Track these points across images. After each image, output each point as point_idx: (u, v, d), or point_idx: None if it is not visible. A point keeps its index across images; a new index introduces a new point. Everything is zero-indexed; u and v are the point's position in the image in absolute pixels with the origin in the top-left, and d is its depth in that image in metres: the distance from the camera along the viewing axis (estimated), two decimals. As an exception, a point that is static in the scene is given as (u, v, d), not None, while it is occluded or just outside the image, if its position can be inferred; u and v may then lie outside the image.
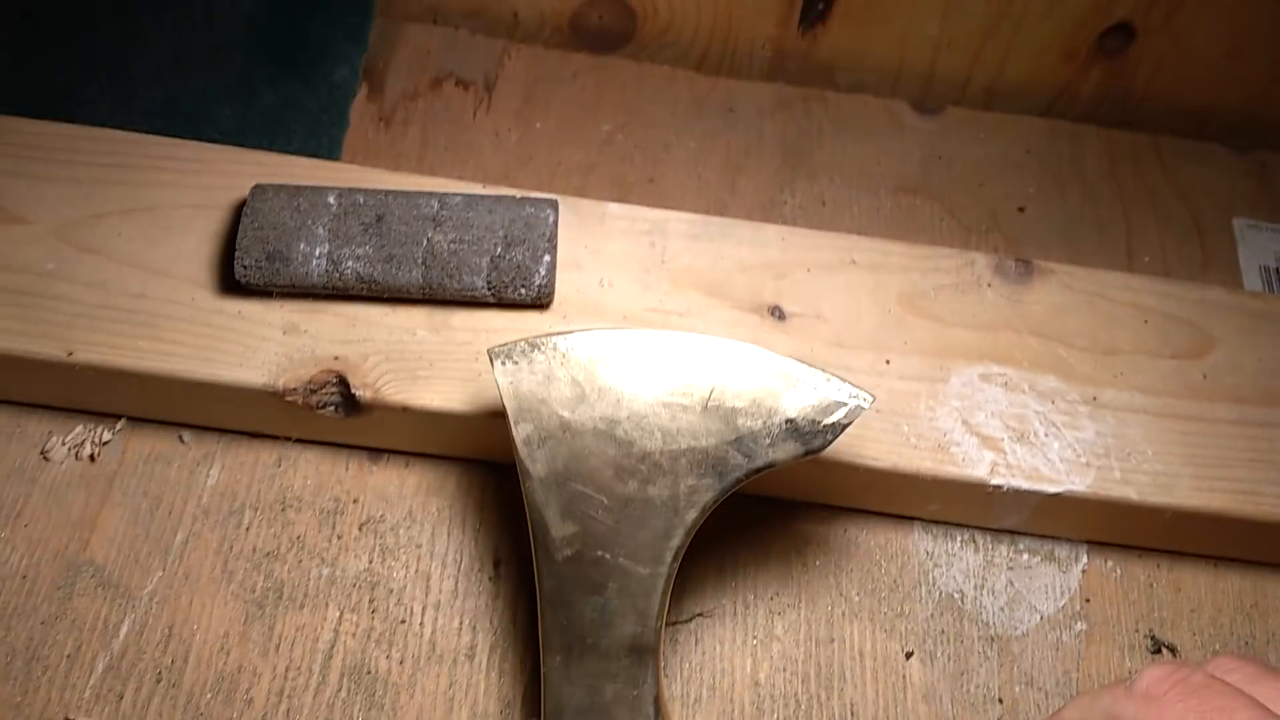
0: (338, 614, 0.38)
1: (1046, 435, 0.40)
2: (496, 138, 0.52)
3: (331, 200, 0.40)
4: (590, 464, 0.34)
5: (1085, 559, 0.42)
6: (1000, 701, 0.38)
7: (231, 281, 0.39)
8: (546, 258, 0.40)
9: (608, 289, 0.41)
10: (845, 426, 0.35)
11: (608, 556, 0.34)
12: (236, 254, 0.38)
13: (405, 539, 0.40)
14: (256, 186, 0.40)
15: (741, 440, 0.34)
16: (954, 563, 0.41)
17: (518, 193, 0.42)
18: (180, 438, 0.41)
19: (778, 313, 0.42)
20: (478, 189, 0.42)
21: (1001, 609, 0.40)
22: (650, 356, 0.35)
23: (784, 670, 0.38)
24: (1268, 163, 0.55)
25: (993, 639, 0.40)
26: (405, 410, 0.38)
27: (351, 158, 0.50)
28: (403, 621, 0.38)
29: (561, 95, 0.54)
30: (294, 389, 0.38)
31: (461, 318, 0.40)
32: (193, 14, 0.52)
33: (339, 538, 0.39)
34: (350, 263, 0.39)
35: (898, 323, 0.42)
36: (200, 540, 0.39)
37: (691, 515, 0.34)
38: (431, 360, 0.39)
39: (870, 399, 0.35)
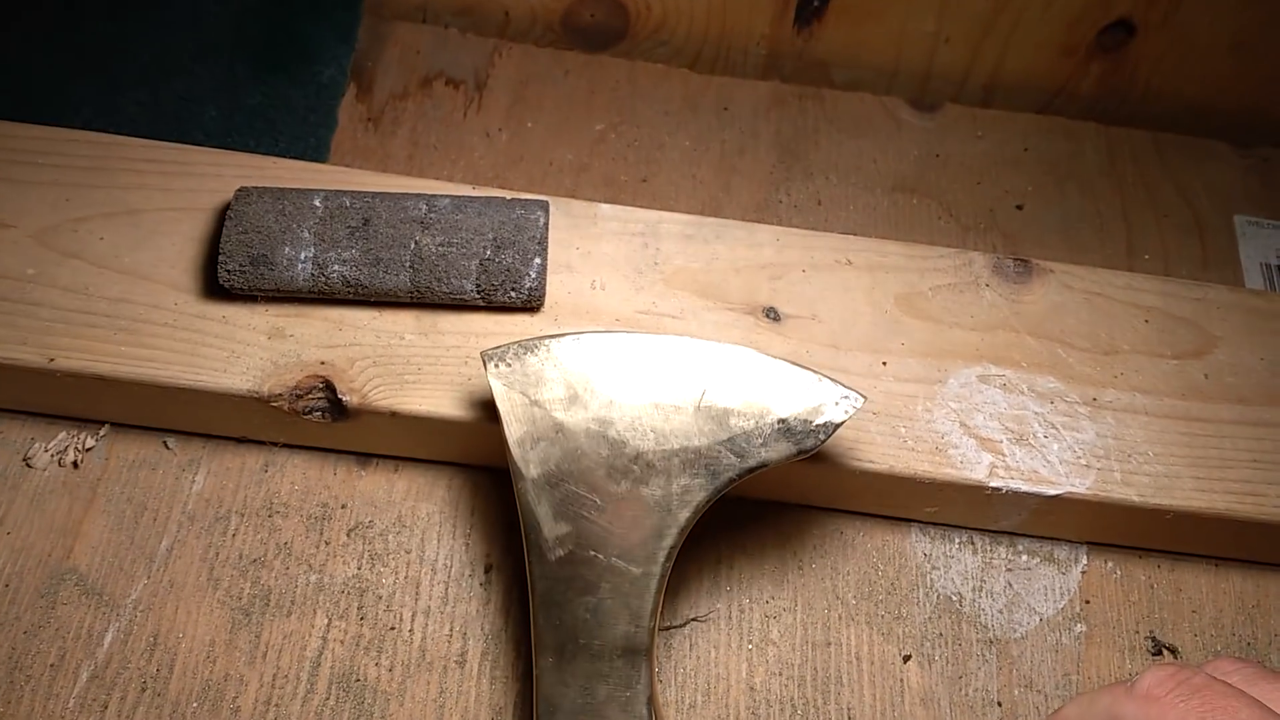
0: (326, 621, 0.37)
1: (1046, 437, 0.39)
2: (487, 138, 0.51)
3: (317, 203, 0.39)
4: (583, 464, 0.34)
5: (1085, 560, 0.41)
6: (999, 705, 0.38)
7: (215, 286, 0.38)
8: (537, 260, 0.39)
9: (600, 291, 0.41)
10: (837, 426, 0.35)
11: (600, 557, 0.34)
12: (220, 258, 0.38)
13: (394, 545, 0.39)
14: (241, 189, 0.39)
15: (734, 440, 0.35)
16: (952, 565, 0.41)
17: (507, 194, 0.41)
18: (165, 443, 0.40)
19: (773, 314, 0.41)
20: (467, 190, 0.42)
21: (1000, 611, 0.40)
22: (643, 358, 0.36)
23: (780, 674, 0.38)
24: (1269, 159, 0.55)
25: (991, 641, 0.39)
26: (393, 415, 0.38)
27: (340, 158, 0.49)
28: (392, 628, 0.37)
29: (553, 94, 0.53)
30: (279, 395, 0.37)
31: (450, 321, 0.39)
32: (178, 14, 0.51)
33: (327, 544, 0.39)
34: (336, 266, 0.38)
35: (894, 324, 0.41)
36: (185, 547, 0.38)
37: (685, 515, 0.34)
38: (420, 365, 0.38)
39: (862, 399, 0.35)
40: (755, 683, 0.38)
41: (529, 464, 0.34)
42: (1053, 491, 0.38)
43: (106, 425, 0.40)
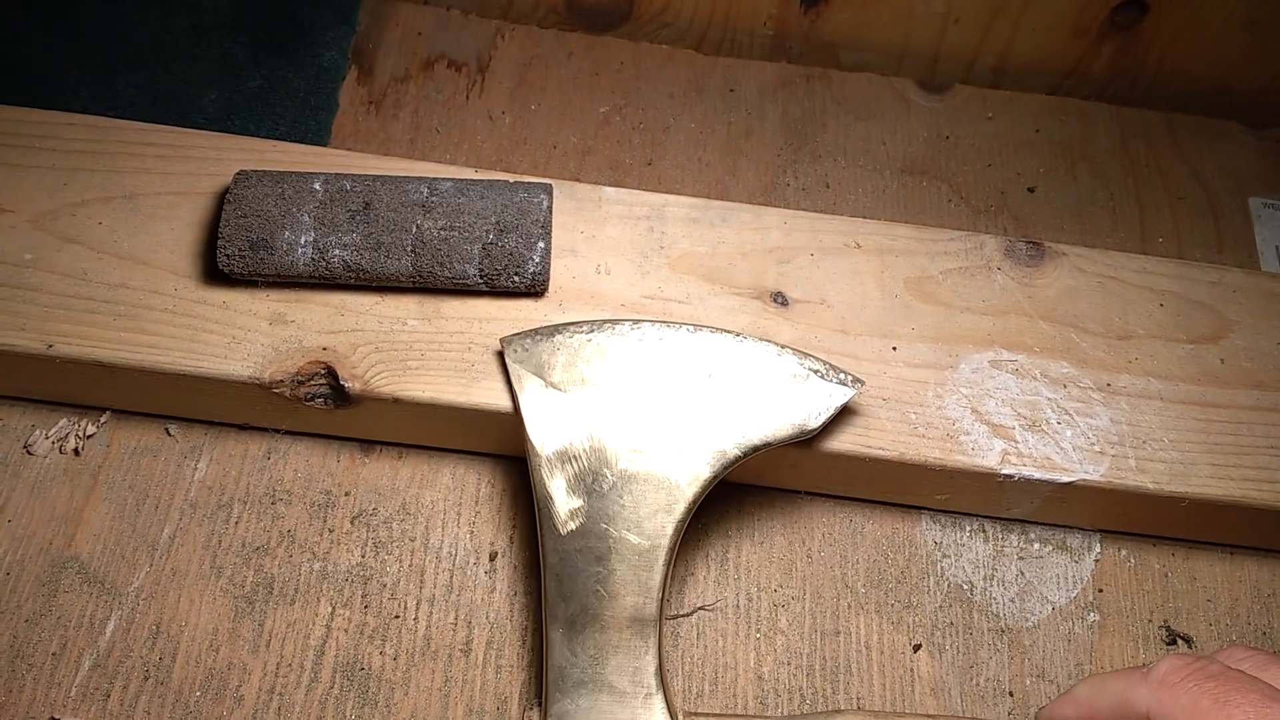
0: (330, 609, 0.37)
1: (1059, 423, 0.39)
2: (490, 120, 0.51)
3: (317, 187, 0.39)
4: (595, 443, 0.36)
5: (1098, 548, 0.41)
6: (1011, 695, 0.37)
7: (215, 271, 0.38)
8: (540, 244, 0.39)
9: (604, 276, 0.40)
10: (838, 409, 0.36)
11: (611, 530, 0.35)
12: (219, 243, 0.37)
13: (398, 532, 0.39)
14: (240, 173, 0.39)
15: (738, 421, 0.36)
16: (963, 553, 0.40)
17: (510, 177, 0.41)
18: (167, 430, 0.40)
19: (780, 299, 0.40)
20: (470, 174, 0.41)
21: (1012, 600, 0.39)
22: (652, 344, 0.37)
23: (788, 664, 0.37)
24: (1285, 140, 0.54)
25: (1003, 630, 0.39)
26: (396, 402, 0.37)
27: (341, 142, 0.49)
28: (396, 616, 0.37)
29: (557, 76, 0.52)
30: (281, 381, 0.37)
31: (453, 306, 0.39)
32: (176, -5, 0.51)
33: (330, 531, 0.38)
34: (337, 251, 0.38)
35: (904, 308, 0.40)
36: (188, 535, 0.38)
37: (693, 490, 0.35)
38: (423, 350, 0.38)
39: (861, 382, 0.37)
40: (763, 672, 0.37)
41: (544, 441, 0.36)
42: (1066, 479, 0.38)
43: (107, 412, 0.40)
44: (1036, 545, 0.40)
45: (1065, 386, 0.39)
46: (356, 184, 0.39)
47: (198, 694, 0.35)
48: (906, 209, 0.50)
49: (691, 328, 0.37)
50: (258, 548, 0.38)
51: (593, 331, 0.37)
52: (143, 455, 0.39)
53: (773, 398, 0.36)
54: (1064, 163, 0.52)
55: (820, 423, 0.36)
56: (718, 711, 0.36)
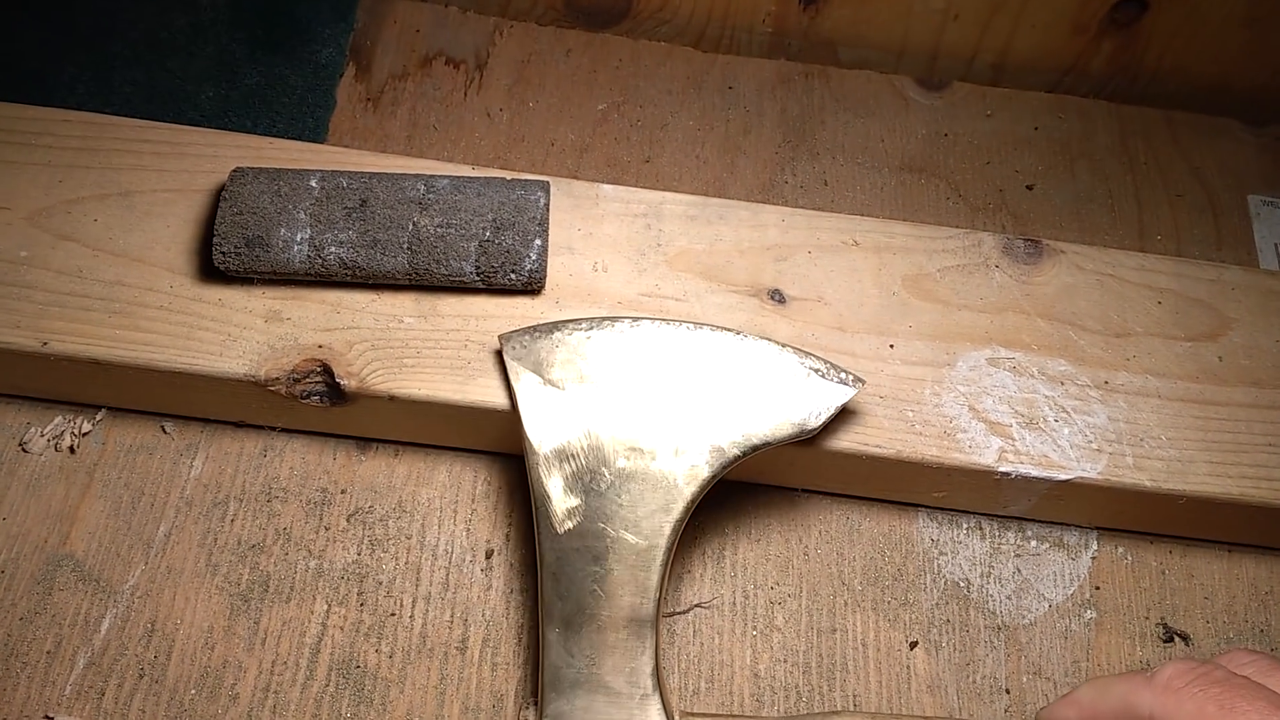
0: (325, 607, 0.37)
1: (1056, 421, 0.39)
2: (488, 118, 0.50)
3: (314, 184, 0.39)
4: (593, 441, 0.35)
5: (1095, 545, 0.40)
6: (1008, 692, 0.37)
7: (211, 268, 0.38)
8: (537, 241, 0.39)
9: (602, 273, 0.40)
10: (839, 408, 0.36)
11: (609, 529, 0.34)
12: (215, 240, 0.37)
13: (394, 530, 0.39)
14: (236, 170, 0.39)
15: (738, 420, 0.36)
16: (960, 550, 0.40)
17: (507, 174, 0.41)
18: (163, 428, 0.40)
19: (778, 296, 0.40)
20: (467, 171, 0.41)
21: (1009, 597, 0.39)
22: (651, 342, 0.37)
23: (784, 661, 0.37)
24: (1284, 137, 0.54)
25: (1000, 628, 0.39)
26: (392, 399, 0.37)
27: (338, 139, 0.49)
28: (392, 614, 0.37)
29: (555, 73, 0.52)
30: (277, 379, 0.37)
31: (450, 304, 0.39)
32: (173, -9, 0.50)
33: (326, 529, 0.38)
34: (333, 248, 0.38)
35: (902, 305, 0.40)
36: (184, 533, 0.38)
37: (691, 490, 0.35)
38: (419, 348, 0.38)
39: (862, 382, 0.36)
40: (759, 669, 0.37)
41: (541, 440, 0.35)
42: (1063, 476, 0.38)
43: (103, 409, 0.40)
44: (1034, 543, 0.40)
45: (1063, 384, 0.39)
46: (353, 181, 0.39)
47: (193, 692, 0.35)
48: (905, 207, 0.50)
49: (691, 325, 0.37)
50: (253, 545, 0.38)
51: (591, 329, 0.37)
52: (138, 453, 0.39)
53: (773, 397, 0.36)
54: (1063, 160, 0.52)
55: (821, 422, 0.36)
56: (714, 712, 0.36)
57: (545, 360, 0.36)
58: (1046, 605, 0.39)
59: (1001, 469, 0.38)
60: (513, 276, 0.38)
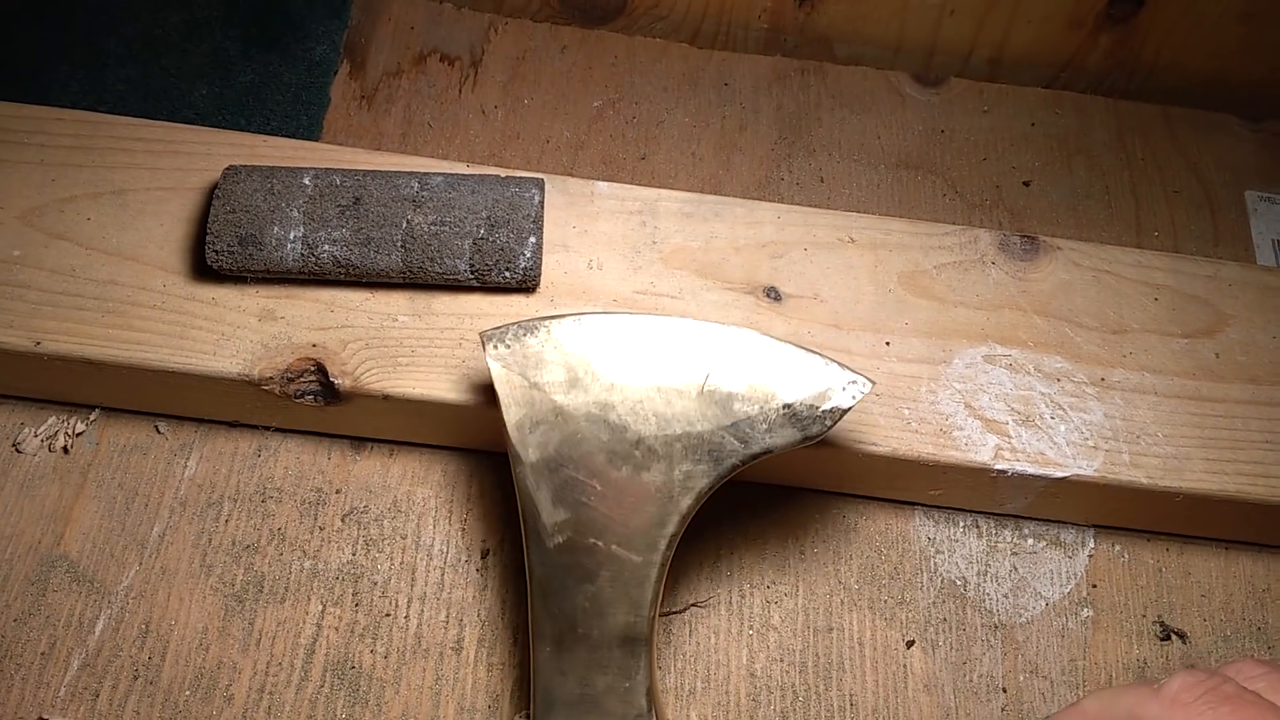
0: (320, 607, 0.37)
1: (1053, 418, 0.38)
2: (483, 115, 0.50)
3: (307, 182, 0.38)
4: (583, 449, 0.33)
5: (1092, 544, 0.40)
6: (1004, 691, 0.37)
7: (204, 267, 0.38)
8: (532, 239, 0.39)
9: (597, 271, 0.40)
10: (844, 412, 0.34)
11: (600, 544, 0.33)
12: (208, 238, 0.37)
13: (389, 530, 0.38)
14: (229, 168, 0.39)
15: (738, 426, 0.34)
16: (956, 549, 0.40)
17: (502, 172, 0.40)
18: (156, 428, 0.40)
19: (774, 294, 0.40)
20: (462, 168, 0.41)
21: (1005, 596, 0.39)
22: (645, 340, 0.35)
23: (781, 660, 0.37)
24: (1282, 133, 0.54)
25: (996, 626, 0.38)
26: (386, 398, 0.37)
27: (332, 137, 0.48)
28: (387, 614, 0.37)
29: (550, 70, 0.52)
30: (271, 378, 0.37)
31: (444, 302, 0.39)
32: (166, -11, 0.50)
33: (321, 529, 0.38)
34: (326, 246, 0.38)
35: (898, 303, 0.40)
36: (178, 533, 0.38)
37: (686, 502, 0.33)
38: (413, 347, 0.38)
39: (870, 384, 0.34)
40: (756, 669, 0.37)
41: (528, 448, 0.33)
42: (1060, 474, 0.37)
43: (97, 410, 0.40)
44: (1030, 541, 0.40)
45: (1059, 381, 0.39)
46: (346, 179, 0.39)
47: (187, 693, 0.35)
48: (901, 203, 0.50)
49: (689, 324, 0.35)
50: (248, 546, 0.38)
51: (582, 325, 0.35)
52: (132, 453, 0.39)
53: (774, 400, 0.34)
54: (1060, 156, 0.52)
55: (824, 428, 0.34)
56: None
57: (531, 361, 0.34)
58: (1043, 603, 0.39)
59: (998, 467, 0.37)
60: (507, 274, 0.38)
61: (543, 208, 0.39)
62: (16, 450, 0.39)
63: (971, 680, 0.37)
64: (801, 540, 0.40)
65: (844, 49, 0.54)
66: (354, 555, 0.38)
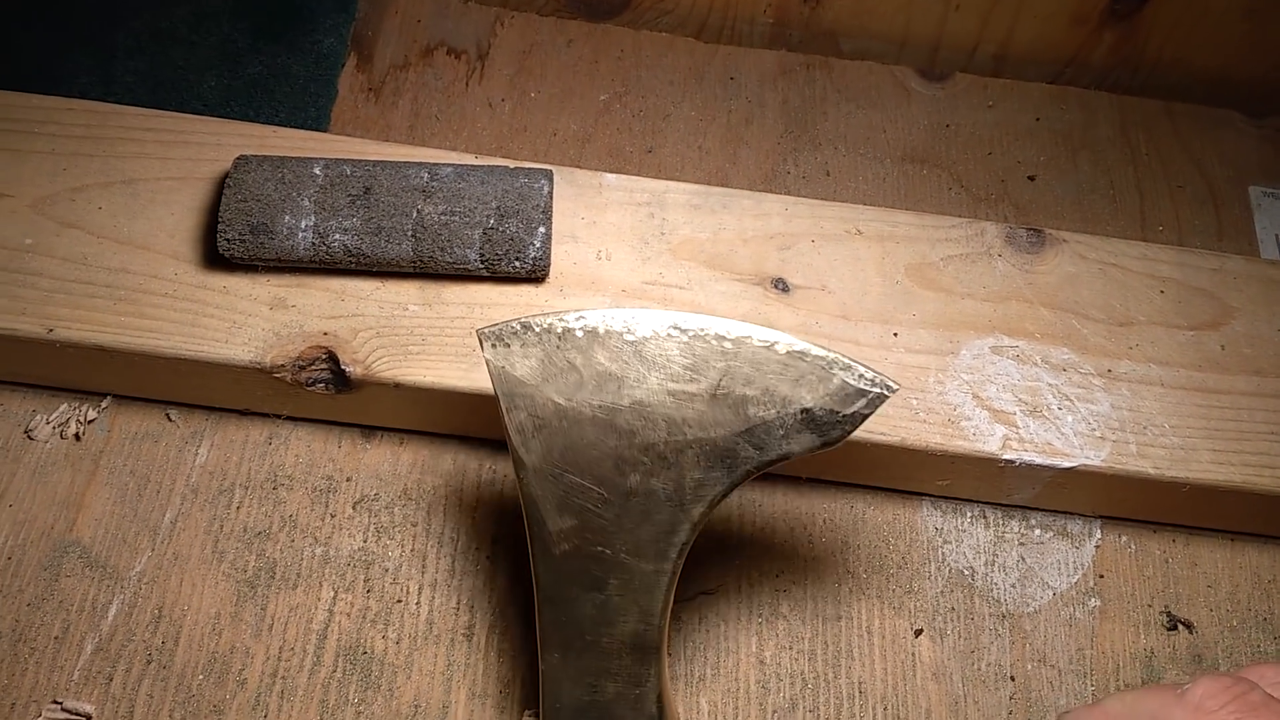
0: (332, 594, 0.37)
1: (1060, 409, 0.39)
2: (490, 108, 0.50)
3: (318, 171, 0.39)
4: (589, 455, 0.31)
5: (1099, 534, 0.41)
6: (1012, 679, 0.38)
7: (216, 255, 0.38)
8: (541, 229, 0.39)
9: (605, 261, 0.40)
10: (866, 417, 0.32)
11: (608, 552, 0.31)
12: (220, 227, 0.37)
13: (400, 517, 0.39)
14: (240, 158, 0.39)
15: (753, 431, 0.31)
16: (964, 539, 0.40)
17: (511, 163, 0.41)
18: (168, 416, 0.40)
19: (781, 285, 0.40)
20: (470, 160, 0.41)
21: (1013, 585, 0.39)
22: (654, 338, 0.32)
23: (790, 648, 0.37)
24: (1285, 128, 0.54)
25: (1004, 616, 0.39)
26: (397, 387, 0.37)
27: (340, 129, 0.49)
28: (399, 601, 0.37)
29: (557, 63, 0.52)
30: (282, 366, 0.37)
31: (454, 291, 0.39)
32: (175, -19, 0.50)
33: (332, 516, 0.38)
34: (338, 235, 0.38)
35: (905, 294, 0.40)
36: (190, 520, 0.38)
37: (698, 510, 0.31)
38: (424, 335, 0.38)
39: (895, 387, 0.32)
40: (765, 656, 0.37)
41: (530, 452, 0.31)
42: (1067, 464, 0.38)
43: (108, 397, 0.40)
44: (1037, 531, 0.40)
45: (1066, 372, 0.40)
46: (357, 169, 0.39)
47: (200, 677, 0.35)
48: (907, 197, 0.50)
49: (700, 320, 0.32)
50: (259, 532, 0.38)
51: (585, 324, 0.32)
52: (144, 440, 0.39)
53: (792, 405, 0.31)
54: (1064, 151, 0.52)
55: (845, 433, 0.31)
56: None
57: (531, 361, 0.32)
58: (1051, 593, 0.39)
59: (1006, 456, 0.38)
60: (517, 264, 0.39)
61: (552, 198, 0.40)
62: (29, 437, 0.39)
63: (979, 669, 0.38)
64: (810, 530, 0.40)
65: (849, 44, 0.54)
66: (365, 542, 0.38)
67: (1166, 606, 0.39)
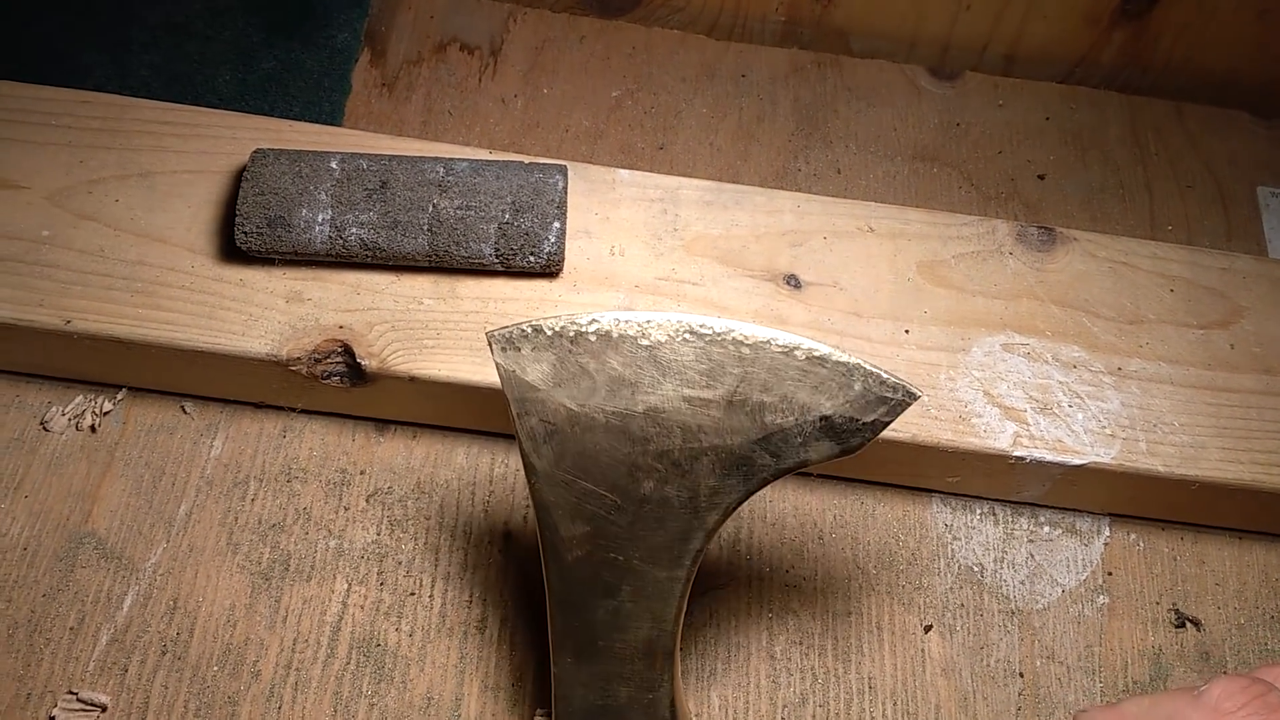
0: (346, 586, 0.37)
1: (1070, 406, 0.39)
2: (503, 104, 0.51)
3: (334, 165, 0.39)
4: (602, 461, 0.31)
5: (1107, 532, 0.41)
6: (1021, 676, 0.38)
7: (232, 248, 0.38)
8: (556, 224, 0.39)
9: (619, 257, 0.40)
10: (887, 425, 0.31)
11: (621, 559, 0.31)
12: (237, 220, 0.37)
13: (414, 511, 0.39)
14: (257, 151, 0.39)
15: (770, 439, 0.30)
16: (973, 535, 0.40)
17: (525, 159, 0.41)
18: (183, 408, 0.40)
19: (794, 281, 0.40)
20: (485, 155, 0.41)
21: (1022, 582, 0.40)
22: (668, 343, 0.31)
23: (800, 644, 0.38)
24: (1294, 129, 0.54)
25: (1013, 612, 0.39)
26: (412, 380, 0.37)
27: (354, 124, 0.49)
28: (412, 594, 0.37)
29: (569, 60, 0.52)
30: (298, 358, 0.37)
31: (469, 286, 0.39)
32: (190, -24, 0.51)
33: (346, 509, 0.39)
34: (354, 229, 0.38)
35: (917, 291, 0.41)
36: (204, 512, 0.38)
37: (713, 517, 0.31)
38: (438, 329, 0.38)
39: (918, 394, 0.31)
40: (775, 651, 0.38)
41: (541, 458, 0.31)
42: (1077, 461, 0.38)
43: (124, 389, 0.40)
44: (1046, 529, 0.41)
45: (1076, 370, 0.40)
46: (373, 163, 0.39)
47: (215, 669, 0.36)
48: (917, 195, 0.50)
49: (715, 323, 0.31)
50: (274, 525, 0.38)
51: (598, 327, 0.31)
52: (159, 432, 0.39)
53: (811, 412, 0.30)
54: (1074, 151, 0.52)
55: (864, 440, 0.30)
56: None
57: (542, 365, 0.31)
58: (1059, 590, 0.40)
59: (1016, 453, 0.38)
60: (531, 259, 0.39)
61: (566, 194, 0.40)
62: (44, 429, 0.39)
63: (989, 665, 0.38)
64: (820, 525, 0.40)
65: (860, 42, 0.54)
66: (379, 535, 0.38)
67: (1175, 604, 0.40)
